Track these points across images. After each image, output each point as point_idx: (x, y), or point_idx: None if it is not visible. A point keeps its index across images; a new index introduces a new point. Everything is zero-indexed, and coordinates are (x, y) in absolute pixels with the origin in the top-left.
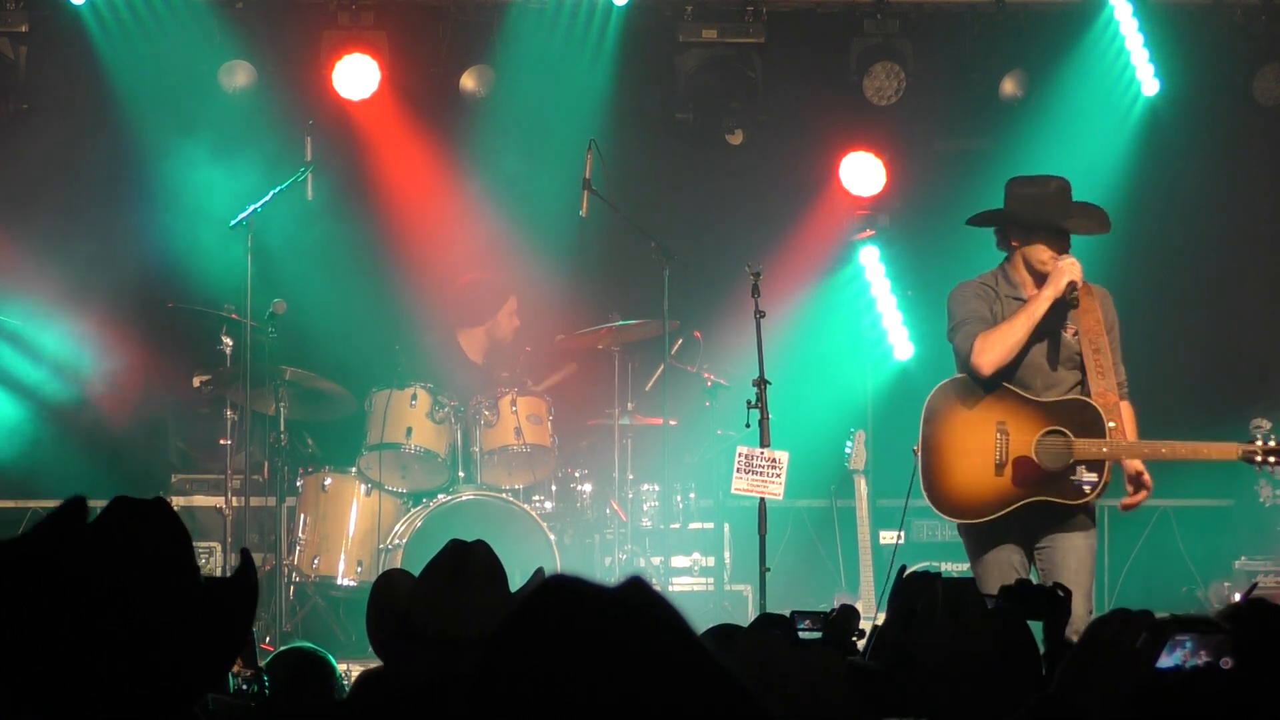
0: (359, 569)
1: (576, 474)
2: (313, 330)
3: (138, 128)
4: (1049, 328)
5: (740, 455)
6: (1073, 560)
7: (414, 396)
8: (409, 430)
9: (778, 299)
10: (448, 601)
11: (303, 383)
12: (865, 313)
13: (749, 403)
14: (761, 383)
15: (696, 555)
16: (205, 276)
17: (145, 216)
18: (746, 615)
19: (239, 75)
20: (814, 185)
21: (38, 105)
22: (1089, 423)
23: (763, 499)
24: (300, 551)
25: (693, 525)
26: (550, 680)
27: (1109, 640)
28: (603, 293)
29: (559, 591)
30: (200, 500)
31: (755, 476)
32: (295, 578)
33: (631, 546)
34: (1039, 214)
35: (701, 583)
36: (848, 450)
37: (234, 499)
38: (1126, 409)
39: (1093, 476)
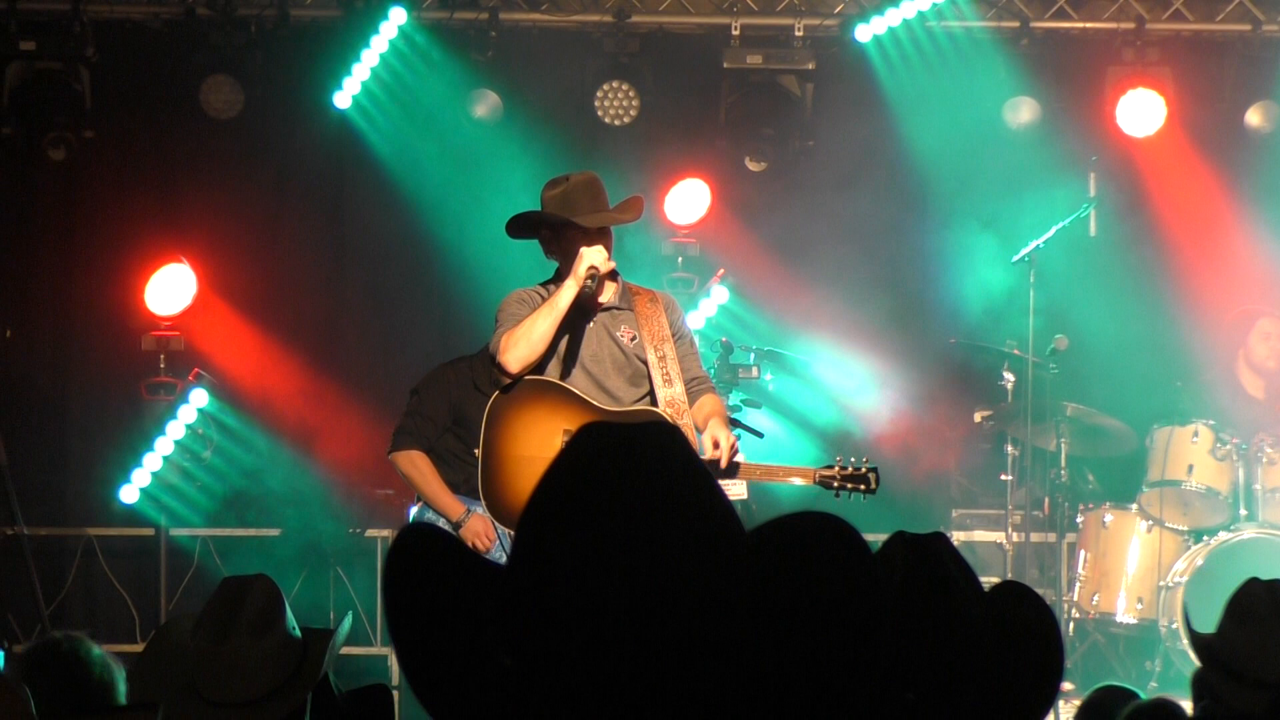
0: (1139, 606)
1: None
2: (1094, 366)
3: (920, 164)
4: (600, 337)
5: None
6: None
7: (1196, 433)
8: (1190, 467)
9: None
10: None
11: (1083, 419)
12: None
13: None
14: None
15: None
16: (988, 312)
17: (929, 250)
18: None
19: (1023, 112)
20: None
21: (821, 140)
22: None
23: None
24: (1080, 588)
25: None
26: (576, 507)
27: None
28: None
29: (587, 429)
30: (980, 535)
31: None
32: (1075, 614)
33: None
34: (562, 211)
35: None
36: None
37: (1014, 534)
38: (709, 401)
39: None
